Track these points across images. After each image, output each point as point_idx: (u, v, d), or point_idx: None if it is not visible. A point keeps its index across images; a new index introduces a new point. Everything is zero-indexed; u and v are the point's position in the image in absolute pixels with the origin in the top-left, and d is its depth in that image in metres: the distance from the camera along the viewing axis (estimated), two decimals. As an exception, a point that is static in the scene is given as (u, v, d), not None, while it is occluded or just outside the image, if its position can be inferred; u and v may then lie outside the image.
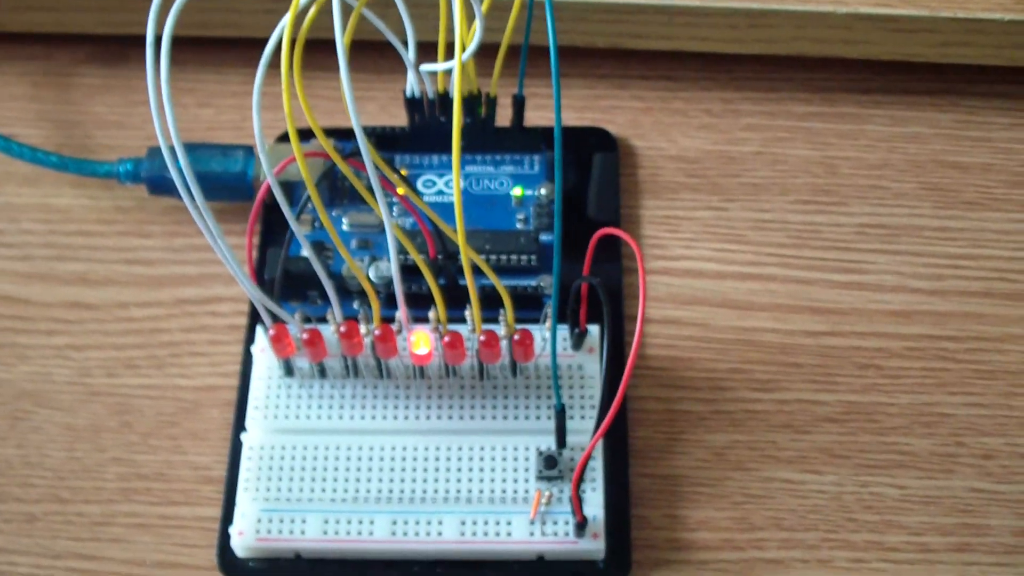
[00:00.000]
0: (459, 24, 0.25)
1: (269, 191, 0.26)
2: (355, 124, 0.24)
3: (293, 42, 0.23)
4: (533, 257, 0.33)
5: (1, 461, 0.31)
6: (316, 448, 0.30)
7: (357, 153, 0.24)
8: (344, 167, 0.25)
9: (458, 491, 0.29)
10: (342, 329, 0.28)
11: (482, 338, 0.28)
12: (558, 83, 0.24)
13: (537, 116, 0.36)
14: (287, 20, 0.23)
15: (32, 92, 0.38)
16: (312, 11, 0.24)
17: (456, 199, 0.25)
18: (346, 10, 0.24)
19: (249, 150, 0.34)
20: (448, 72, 0.31)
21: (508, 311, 0.28)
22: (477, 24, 0.27)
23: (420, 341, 0.28)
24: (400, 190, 0.29)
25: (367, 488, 0.29)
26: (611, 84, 0.38)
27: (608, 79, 0.38)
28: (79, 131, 0.37)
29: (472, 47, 0.27)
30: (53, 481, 0.31)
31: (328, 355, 0.30)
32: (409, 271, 0.30)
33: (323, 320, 0.29)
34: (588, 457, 0.26)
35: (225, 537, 0.29)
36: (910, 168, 0.36)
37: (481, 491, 0.29)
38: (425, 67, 0.30)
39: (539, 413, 0.30)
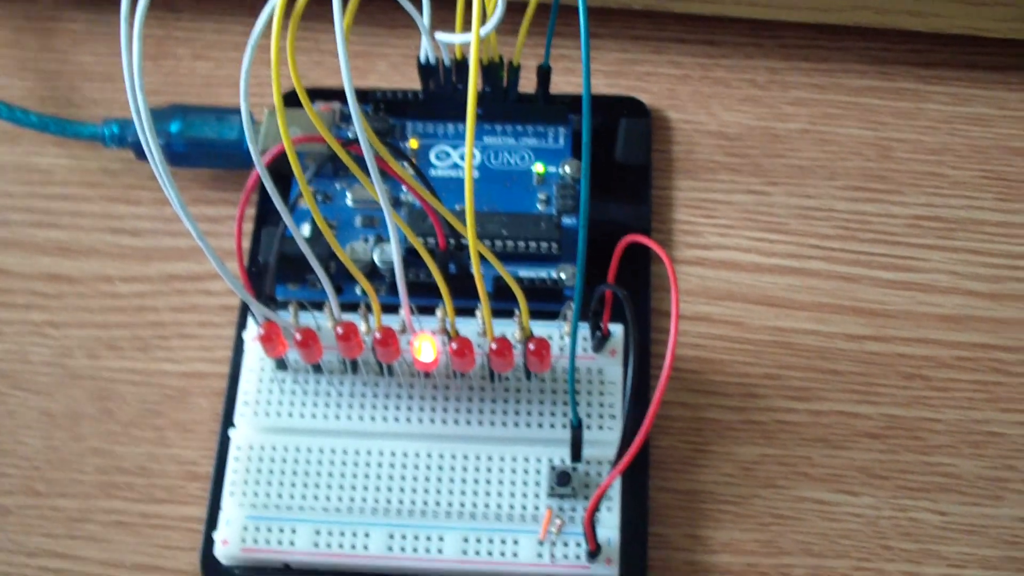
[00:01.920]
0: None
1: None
2: (355, 116, 0.21)
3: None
4: (555, 245, 0.30)
5: (-27, 447, 0.29)
6: (309, 450, 0.27)
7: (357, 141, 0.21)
8: (340, 151, 0.22)
9: (462, 504, 0.27)
10: (339, 331, 0.26)
11: (494, 346, 0.26)
12: (587, 62, 0.21)
13: (565, 82, 0.33)
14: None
15: (12, 38, 0.35)
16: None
17: (468, 206, 0.22)
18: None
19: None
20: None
21: (523, 313, 0.26)
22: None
23: (424, 347, 0.26)
24: (406, 176, 0.26)
25: (363, 497, 0.27)
26: (646, 47, 0.34)
27: (643, 41, 0.35)
28: (63, 83, 0.34)
29: (493, 21, 0.24)
30: (28, 471, 0.29)
31: (325, 351, 0.27)
32: (417, 255, 0.27)
33: (322, 307, 0.26)
34: (605, 491, 0.24)
35: (209, 542, 0.27)
36: (972, 154, 0.33)
37: (487, 506, 0.27)
38: (441, 36, 0.27)
39: (554, 421, 0.27)
